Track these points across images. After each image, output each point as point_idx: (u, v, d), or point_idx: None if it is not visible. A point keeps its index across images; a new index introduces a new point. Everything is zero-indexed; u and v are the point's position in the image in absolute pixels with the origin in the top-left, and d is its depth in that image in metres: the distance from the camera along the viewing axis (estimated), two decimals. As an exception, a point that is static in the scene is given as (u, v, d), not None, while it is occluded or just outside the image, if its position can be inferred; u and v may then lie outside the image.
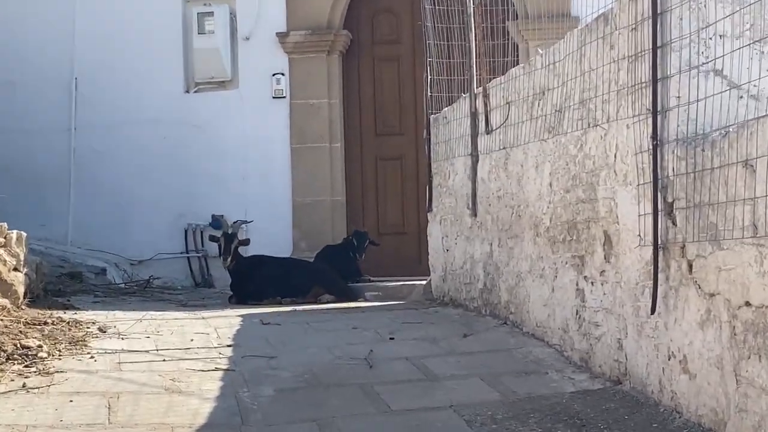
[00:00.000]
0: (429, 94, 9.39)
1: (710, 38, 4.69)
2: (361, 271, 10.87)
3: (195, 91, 12.08)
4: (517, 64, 11.15)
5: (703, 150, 4.36)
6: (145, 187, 12.03)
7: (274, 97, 11.85)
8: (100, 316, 8.33)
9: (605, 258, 5.56)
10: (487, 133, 7.63)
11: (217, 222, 11.62)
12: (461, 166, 8.38)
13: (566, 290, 6.12)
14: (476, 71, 8.01)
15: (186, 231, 11.90)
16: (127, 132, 12.08)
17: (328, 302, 9.71)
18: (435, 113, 9.32)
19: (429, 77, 9.35)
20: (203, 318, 8.34)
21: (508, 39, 9.44)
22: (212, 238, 10.02)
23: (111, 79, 12.11)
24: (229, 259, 9.65)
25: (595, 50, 5.63)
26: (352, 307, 9.13)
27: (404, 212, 11.91)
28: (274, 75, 11.82)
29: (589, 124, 5.75)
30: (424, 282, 9.96)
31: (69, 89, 12.19)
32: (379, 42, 12.04)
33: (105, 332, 7.38)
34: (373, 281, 10.84)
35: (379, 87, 11.99)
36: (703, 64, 4.62)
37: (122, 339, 7.12)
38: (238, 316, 8.42)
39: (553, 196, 6.33)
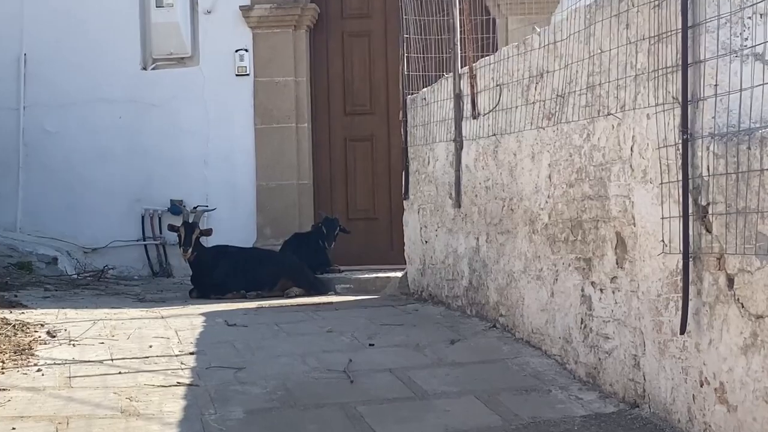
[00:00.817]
0: (405, 72, 8.74)
1: (749, 18, 4.07)
2: (330, 261, 10.22)
3: (153, 68, 11.35)
4: (495, 41, 10.57)
5: (749, 148, 3.75)
6: (100, 170, 11.30)
7: (237, 75, 11.14)
8: (50, 315, 7.66)
9: (617, 263, 4.95)
10: (474, 118, 7.00)
11: (176, 208, 10.96)
12: (443, 152, 7.74)
13: (569, 295, 5.51)
14: (460, 49, 7.36)
15: (143, 217, 11.18)
16: (79, 111, 11.34)
17: (296, 296, 9.09)
18: (412, 93, 8.67)
19: (405, 54, 8.70)
20: (162, 317, 7.68)
21: (484, 14, 8.80)
22: (171, 228, 9.32)
23: (62, 56, 11.35)
24: (189, 251, 8.97)
25: (607, 29, 5.00)
26: (324, 303, 8.49)
27: (375, 196, 11.27)
28: (237, 51, 11.11)
29: (598, 112, 5.12)
30: (398, 274, 9.34)
31: (17, 66, 11.41)
32: (349, 16, 11.35)
33: (55, 337, 6.71)
34: (343, 271, 10.20)
35: (348, 64, 11.31)
36: (744, 48, 4.00)
37: (74, 346, 6.45)
38: (201, 314, 7.76)
39: (553, 190, 5.71)
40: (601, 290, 5.14)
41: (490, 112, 6.63)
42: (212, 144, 11.18)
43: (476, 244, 7.03)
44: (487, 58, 6.86)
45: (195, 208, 10.86)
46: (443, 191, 7.74)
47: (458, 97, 7.30)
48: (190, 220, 9.15)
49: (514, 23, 10.43)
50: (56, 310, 7.94)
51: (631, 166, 4.80)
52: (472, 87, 6.98)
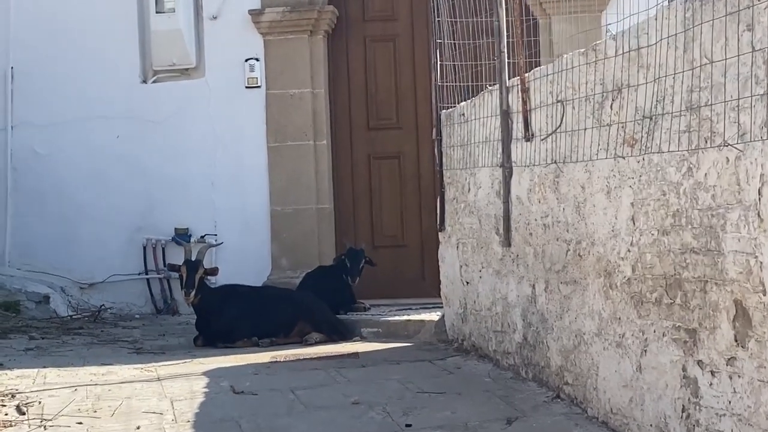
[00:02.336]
0: (438, 82, 7.54)
1: None
2: (354, 298, 8.99)
3: (153, 81, 10.19)
4: (537, 45, 9.35)
5: None
6: (96, 196, 10.15)
7: (247, 87, 9.95)
8: (27, 378, 6.50)
9: (737, 340, 3.73)
10: (527, 140, 5.78)
11: (181, 237, 9.78)
12: (486, 179, 6.53)
13: (663, 373, 4.29)
14: (508, 56, 6.14)
15: (145, 248, 10.01)
16: (73, 131, 10.20)
17: (316, 342, 7.88)
18: (447, 108, 7.47)
19: (439, 62, 7.50)
20: (158, 378, 6.49)
21: (523, 14, 7.57)
22: (171, 267, 8.12)
23: (53, 69, 10.22)
24: (192, 294, 7.76)
25: (718, 32, 3.77)
26: (348, 355, 7.28)
27: (403, 221, 10.04)
28: (246, 60, 9.91)
29: (706, 141, 3.90)
30: (433, 316, 8.13)
31: (3, 81, 10.29)
32: (371, 19, 10.13)
33: (24, 414, 5.53)
34: (369, 308, 8.98)
35: (371, 72, 10.09)
36: None
37: (45, 429, 5.25)
38: (204, 374, 6.57)
39: (639, 236, 4.48)
40: (713, 373, 3.91)
41: (549, 135, 5.40)
42: (220, 165, 10.00)
43: (532, 293, 5.81)
44: (542, 68, 5.63)
45: (202, 237, 9.73)
46: (488, 225, 6.52)
47: (506, 115, 6.08)
48: (194, 257, 7.94)
49: (559, 23, 9.18)
50: (36, 370, 6.77)
51: (758, 214, 3.58)
52: (525, 103, 5.76)
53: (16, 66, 10.25)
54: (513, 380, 5.97)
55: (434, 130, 7.62)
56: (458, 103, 7.44)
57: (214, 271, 8.00)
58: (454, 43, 7.54)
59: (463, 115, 6.99)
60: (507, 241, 6.14)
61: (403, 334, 7.92)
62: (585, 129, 4.99)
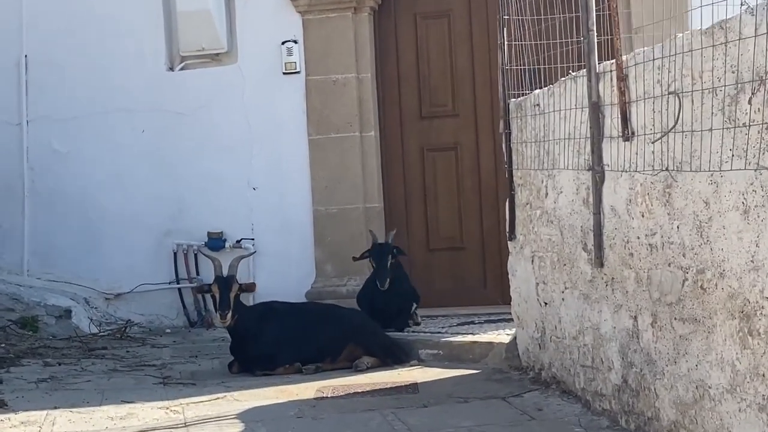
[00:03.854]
0: (505, 66, 6.47)
1: None
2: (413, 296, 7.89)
3: (181, 68, 9.17)
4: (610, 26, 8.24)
5: None
6: (121, 197, 9.18)
7: (284, 73, 8.91)
8: (32, 425, 5.54)
9: None
10: (626, 140, 4.69)
11: (215, 242, 8.83)
12: (569, 184, 5.46)
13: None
14: (596, 36, 5.06)
15: (175, 254, 9.02)
16: (94, 125, 9.23)
17: (367, 368, 6.85)
18: (516, 95, 6.40)
19: (506, 42, 6.43)
20: (185, 425, 5.48)
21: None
22: (200, 290, 7.11)
23: (71, 56, 9.25)
24: (228, 315, 6.74)
25: None
26: (406, 387, 6.24)
27: (462, 221, 8.97)
28: (284, 43, 8.88)
29: None
30: (500, 333, 7.09)
31: (16, 72, 9.32)
32: (422, -8, 9.07)
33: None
34: (419, 323, 7.92)
35: (423, 53, 9.01)
36: None
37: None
38: (237, 418, 5.57)
39: (795, 273, 3.41)
40: None
41: (659, 138, 4.30)
42: (256, 161, 8.98)
43: (633, 326, 4.74)
44: (646, 50, 4.54)
45: (238, 242, 8.77)
46: (572, 238, 5.45)
47: (596, 108, 5.00)
48: (225, 273, 6.92)
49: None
50: (44, 413, 5.79)
51: None
52: (622, 93, 4.68)
53: (30, 54, 9.30)
54: (610, 430, 4.91)
55: (502, 122, 6.55)
56: (528, 90, 6.40)
57: (250, 287, 6.97)
58: (522, 20, 6.48)
59: (538, 105, 5.91)
60: (599, 261, 5.07)
61: (468, 358, 6.86)
62: (711, 129, 3.91)
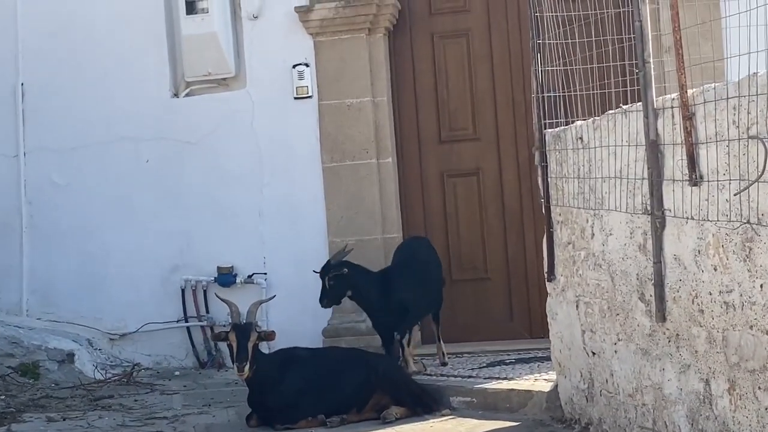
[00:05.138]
0: (539, 93, 6.01)
1: None
2: (394, 348, 7.32)
3: (186, 94, 8.68)
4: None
5: None
6: (125, 231, 8.68)
7: (296, 98, 8.42)
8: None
9: None
10: (693, 184, 4.23)
11: (225, 277, 8.36)
12: (621, 227, 4.99)
13: None
14: (654, 67, 4.60)
15: (183, 290, 8.53)
16: (95, 155, 8.74)
17: (396, 419, 6.37)
18: (552, 125, 5.94)
19: (540, 68, 5.98)
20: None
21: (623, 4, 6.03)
22: (217, 337, 6.60)
23: (70, 84, 8.77)
24: (246, 367, 6.24)
25: None
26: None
27: (485, 249, 8.48)
28: (294, 66, 8.39)
29: None
30: (536, 380, 6.62)
31: (13, 100, 8.84)
32: (439, 12, 8.56)
33: None
34: (447, 362, 7.45)
35: (441, 75, 8.53)
36: None
37: None
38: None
39: None
40: None
41: (743, 189, 3.83)
42: (268, 190, 8.49)
43: (705, 390, 4.28)
44: (717, 85, 4.07)
45: (249, 276, 8.30)
46: (625, 286, 4.98)
47: (655, 147, 4.54)
48: (243, 320, 6.43)
49: (669, 11, 7.54)
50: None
51: None
52: (689, 134, 4.21)
53: (27, 82, 8.83)
54: (679, 504, 4.45)
55: (537, 154, 6.07)
56: (562, 119, 5.96)
57: (270, 336, 6.47)
58: (555, 44, 6.03)
59: (581, 139, 5.45)
60: (660, 314, 4.60)
61: (505, 407, 6.38)
62: (807, 181, 3.44)
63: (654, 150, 4.53)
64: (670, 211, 4.48)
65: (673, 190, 4.42)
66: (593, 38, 6.03)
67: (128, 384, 7.90)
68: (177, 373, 8.37)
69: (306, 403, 6.42)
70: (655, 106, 4.54)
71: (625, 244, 4.97)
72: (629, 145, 4.83)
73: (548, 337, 7.89)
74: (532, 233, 8.31)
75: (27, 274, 8.80)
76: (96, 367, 8.21)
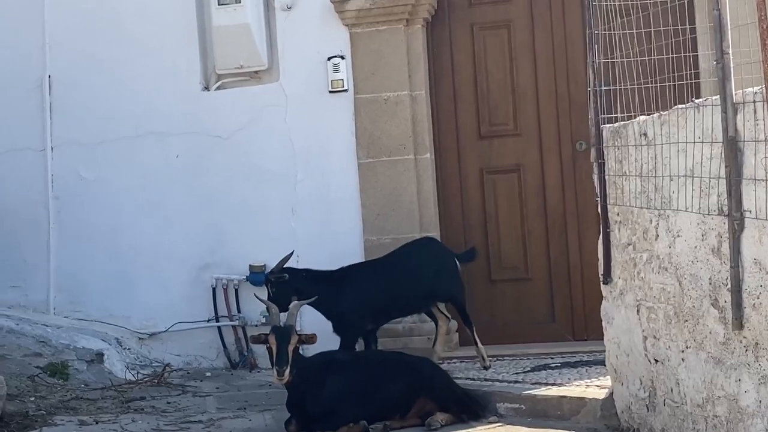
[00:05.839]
0: (596, 86, 5.74)
1: None
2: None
3: (217, 88, 8.45)
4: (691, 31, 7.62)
5: None
6: (154, 228, 8.46)
7: (331, 91, 8.16)
8: None
9: None
10: (780, 185, 3.96)
11: (257, 276, 8.09)
12: (692, 228, 4.72)
13: None
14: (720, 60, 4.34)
15: (214, 289, 8.29)
16: (124, 150, 8.53)
17: (441, 426, 6.12)
18: (609, 119, 5.68)
19: (597, 60, 5.72)
20: None
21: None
22: (256, 339, 6.34)
23: (98, 77, 8.56)
24: (286, 372, 5.98)
25: None
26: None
27: (526, 249, 8.21)
28: (329, 59, 8.14)
29: None
30: (587, 386, 6.35)
31: (39, 93, 8.63)
32: (479, 1, 8.29)
33: None
34: (489, 365, 7.20)
35: (481, 68, 8.26)
36: None
37: None
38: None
39: None
40: None
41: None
42: (301, 187, 8.24)
43: (790, 404, 4.01)
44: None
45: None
46: (695, 291, 4.71)
47: (733, 144, 4.26)
48: (282, 322, 6.18)
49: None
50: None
51: None
52: (776, 130, 3.94)
53: (54, 74, 8.61)
54: None
55: (594, 151, 5.80)
56: (617, 112, 5.70)
57: (310, 339, 6.20)
58: (611, 35, 5.77)
59: (645, 135, 5.18)
60: (737, 322, 4.33)
61: (555, 414, 6.12)
62: None
63: (732, 147, 4.27)
64: (750, 212, 4.21)
65: (754, 190, 4.16)
66: (652, 28, 5.78)
67: (159, 385, 7.66)
68: (208, 374, 8.13)
69: (347, 408, 6.15)
70: (734, 100, 4.27)
71: (696, 247, 4.70)
72: (702, 142, 4.56)
73: (592, 339, 7.76)
74: (575, 232, 8.07)
75: (54, 272, 8.60)
76: (127, 368, 7.97)
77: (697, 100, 4.67)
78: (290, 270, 7.24)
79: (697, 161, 4.63)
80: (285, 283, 7.11)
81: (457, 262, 7.40)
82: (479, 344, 7.26)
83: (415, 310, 7.56)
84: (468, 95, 8.26)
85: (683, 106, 4.79)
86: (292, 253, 7.35)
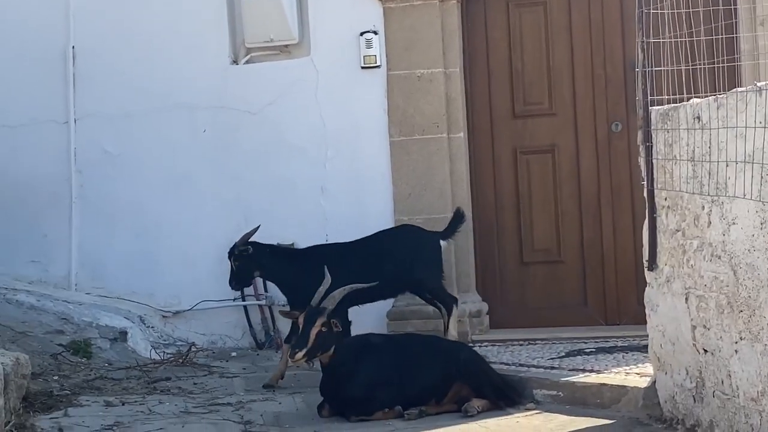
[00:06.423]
0: (644, 67, 5.55)
1: None
2: None
3: (246, 62, 8.29)
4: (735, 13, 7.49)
5: None
6: (180, 204, 8.33)
7: (363, 67, 7.99)
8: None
9: None
10: None
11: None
12: (750, 216, 4.55)
13: None
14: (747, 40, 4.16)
15: (240, 267, 8.14)
16: (149, 124, 8.39)
17: (478, 412, 5.97)
18: (659, 100, 5.49)
19: (645, 40, 5.52)
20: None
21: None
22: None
23: (123, 48, 8.42)
24: (300, 354, 5.71)
25: None
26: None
27: (559, 231, 8.05)
28: (362, 34, 7.97)
29: None
30: (627, 374, 6.19)
31: (63, 64, 8.48)
32: (515, -22, 8.14)
33: None
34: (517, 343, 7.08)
35: (516, 46, 8.09)
36: None
37: None
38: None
39: None
40: None
41: None
42: (331, 165, 8.09)
43: None
44: None
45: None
46: (752, 281, 4.55)
47: (801, 129, 4.08)
48: (320, 306, 5.98)
49: None
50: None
51: None
52: None
53: (78, 45, 8.46)
54: None
55: (641, 133, 5.62)
56: (666, 94, 5.51)
57: (337, 326, 6.01)
58: (660, 14, 5.58)
59: (699, 118, 4.99)
60: (799, 314, 4.17)
61: (595, 402, 5.95)
62: None
63: (800, 133, 4.09)
64: (817, 201, 4.04)
65: (824, 179, 3.98)
66: (700, 8, 5.61)
67: (184, 365, 7.53)
68: (234, 354, 8.01)
69: (382, 393, 6.01)
70: (801, 84, 4.10)
71: (754, 235, 4.52)
72: (764, 127, 4.38)
73: (624, 323, 7.63)
74: (609, 215, 7.93)
75: (76, 247, 8.47)
76: (150, 346, 7.83)
77: (759, 83, 4.48)
78: (255, 244, 7.19)
79: (758, 146, 4.44)
80: (248, 257, 7.12)
81: (442, 242, 7.23)
82: (451, 331, 7.09)
83: (382, 296, 7.30)
84: (502, 73, 8.10)
85: (742, 89, 4.61)
86: (258, 227, 7.29)
